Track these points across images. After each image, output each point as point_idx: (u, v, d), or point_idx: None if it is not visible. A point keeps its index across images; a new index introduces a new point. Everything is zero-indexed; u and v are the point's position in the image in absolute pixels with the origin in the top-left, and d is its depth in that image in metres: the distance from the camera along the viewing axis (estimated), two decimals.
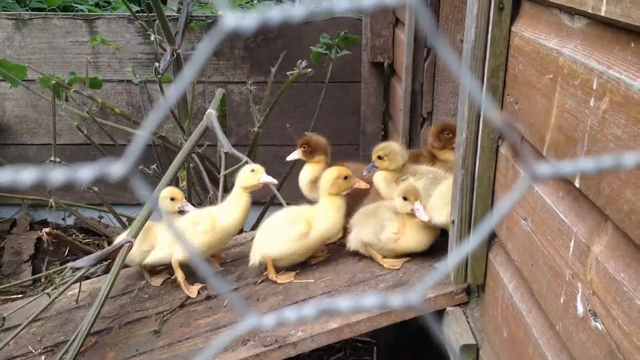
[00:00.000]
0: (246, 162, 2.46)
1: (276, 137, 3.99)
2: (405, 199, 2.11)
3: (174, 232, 2.17)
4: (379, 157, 2.32)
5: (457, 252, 1.62)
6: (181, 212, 2.35)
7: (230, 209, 2.31)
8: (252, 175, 2.30)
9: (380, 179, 2.35)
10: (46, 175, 0.35)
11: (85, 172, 0.36)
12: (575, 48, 1.18)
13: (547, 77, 1.30)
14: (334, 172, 2.23)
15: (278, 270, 2.27)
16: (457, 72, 0.37)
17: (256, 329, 0.40)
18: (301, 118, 3.87)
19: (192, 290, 2.26)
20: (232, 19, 0.37)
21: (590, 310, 1.11)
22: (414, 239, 2.17)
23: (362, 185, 2.24)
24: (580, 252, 1.16)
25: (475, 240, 0.45)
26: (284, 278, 2.24)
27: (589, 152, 1.13)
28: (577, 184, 1.16)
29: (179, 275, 2.27)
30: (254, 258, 2.26)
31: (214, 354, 0.41)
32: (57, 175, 0.35)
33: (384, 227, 2.17)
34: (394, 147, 2.34)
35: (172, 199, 2.32)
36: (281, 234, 2.21)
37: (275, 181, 2.36)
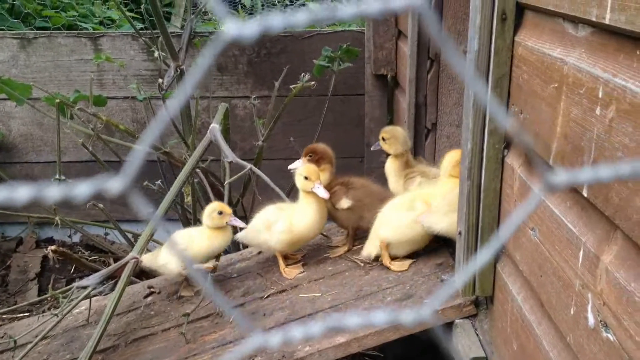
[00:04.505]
0: (250, 170, 2.46)
1: (280, 150, 3.99)
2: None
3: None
4: (383, 139, 2.46)
5: (466, 268, 1.60)
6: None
7: (302, 208, 2.32)
8: (306, 183, 2.28)
9: (390, 169, 2.46)
10: (42, 192, 0.34)
11: (82, 188, 0.35)
12: (580, 57, 1.18)
13: (552, 87, 1.29)
14: (458, 154, 2.19)
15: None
16: (462, 73, 0.36)
17: (262, 347, 0.39)
18: (305, 131, 3.87)
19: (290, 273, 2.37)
20: (233, 28, 0.36)
21: (601, 321, 1.10)
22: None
23: None
24: (589, 262, 1.14)
25: (484, 256, 0.44)
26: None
27: (596, 160, 1.12)
28: (585, 194, 1.15)
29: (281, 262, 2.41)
30: (370, 250, 2.27)
31: None
32: (54, 192, 0.34)
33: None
34: (397, 133, 2.46)
35: (220, 213, 2.28)
36: (399, 219, 2.18)
37: (327, 195, 2.28)
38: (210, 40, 3.82)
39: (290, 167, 2.51)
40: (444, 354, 2.18)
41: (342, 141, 3.93)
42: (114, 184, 0.35)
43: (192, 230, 2.40)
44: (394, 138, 2.43)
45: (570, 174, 0.40)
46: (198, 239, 2.31)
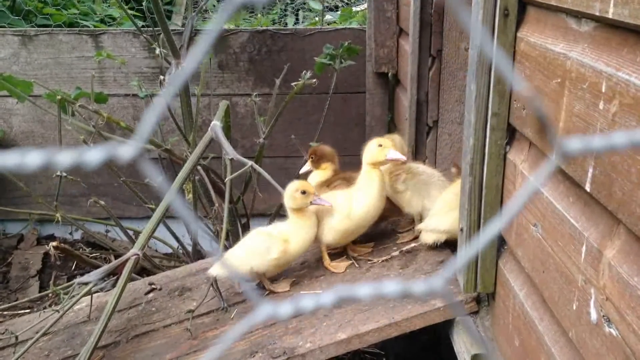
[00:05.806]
0: (251, 167, 2.46)
1: (281, 148, 3.98)
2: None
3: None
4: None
5: (468, 250, 1.60)
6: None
7: (363, 190, 2.23)
8: (379, 150, 2.21)
9: None
10: (52, 157, 0.34)
11: (93, 154, 0.35)
12: (583, 51, 1.18)
13: (554, 82, 1.29)
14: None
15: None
16: (467, 25, 0.36)
17: (272, 317, 0.39)
18: (306, 129, 3.87)
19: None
20: None
21: (604, 316, 1.10)
22: None
23: None
24: (592, 257, 1.14)
25: (486, 235, 0.44)
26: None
27: (599, 155, 1.12)
28: (587, 188, 1.15)
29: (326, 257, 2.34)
30: (430, 238, 2.21)
31: (228, 346, 0.40)
32: (64, 157, 0.34)
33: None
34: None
35: (304, 192, 2.14)
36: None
37: (404, 157, 2.23)
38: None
39: (302, 170, 2.59)
40: (444, 352, 2.18)
41: (342, 139, 3.93)
42: (126, 150, 0.35)
43: (277, 227, 2.23)
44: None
45: (583, 141, 0.40)
46: (294, 235, 2.17)
